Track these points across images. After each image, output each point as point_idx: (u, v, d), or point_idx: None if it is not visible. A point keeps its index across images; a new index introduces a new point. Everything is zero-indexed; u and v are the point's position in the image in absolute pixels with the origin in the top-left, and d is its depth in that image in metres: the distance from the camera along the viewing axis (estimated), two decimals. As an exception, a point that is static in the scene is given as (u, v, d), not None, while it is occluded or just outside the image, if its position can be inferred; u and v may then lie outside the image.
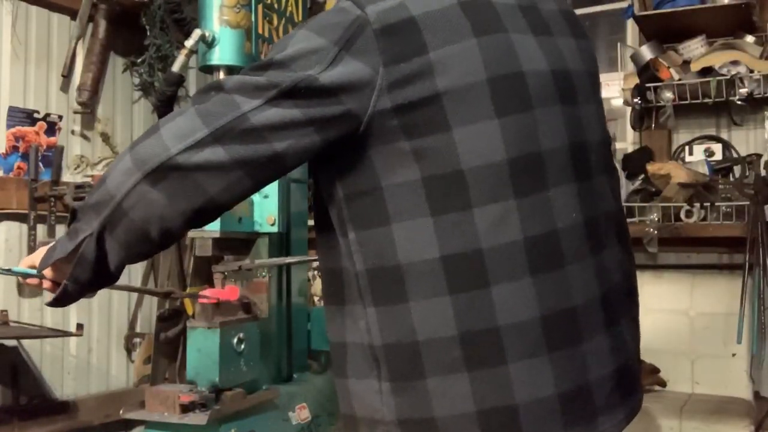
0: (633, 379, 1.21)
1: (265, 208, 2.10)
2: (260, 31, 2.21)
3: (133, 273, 3.24)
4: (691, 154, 3.22)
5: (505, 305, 1.00)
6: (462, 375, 1.01)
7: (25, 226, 2.79)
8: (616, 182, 1.22)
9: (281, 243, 2.25)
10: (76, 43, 3.03)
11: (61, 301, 1.11)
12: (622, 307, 1.19)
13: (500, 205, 1.00)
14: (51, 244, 1.12)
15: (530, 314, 1.01)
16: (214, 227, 1.96)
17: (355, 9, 1.00)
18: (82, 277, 1.07)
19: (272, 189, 2.10)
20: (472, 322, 1.00)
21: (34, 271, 1.13)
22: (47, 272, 1.12)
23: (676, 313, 3.12)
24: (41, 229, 2.84)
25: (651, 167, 3.01)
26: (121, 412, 1.95)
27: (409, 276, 1.01)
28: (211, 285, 2.77)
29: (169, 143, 0.99)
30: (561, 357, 1.03)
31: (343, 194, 1.05)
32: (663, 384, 3.01)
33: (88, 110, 3.08)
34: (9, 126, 2.80)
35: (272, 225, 2.10)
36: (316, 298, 3.42)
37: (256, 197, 2.10)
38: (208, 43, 2.03)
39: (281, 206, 2.11)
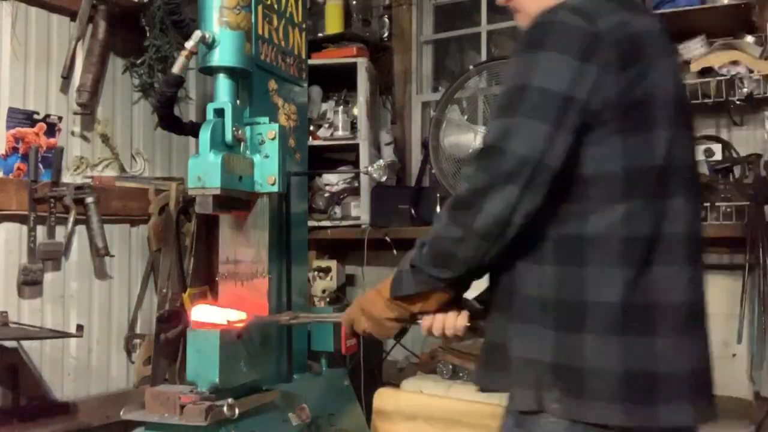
0: (710, 381, 1.40)
1: (265, 167, 2.10)
2: (260, 32, 2.21)
3: (133, 273, 3.24)
4: (691, 154, 3.22)
5: (665, 286, 1.28)
6: (617, 338, 1.24)
7: (24, 228, 2.79)
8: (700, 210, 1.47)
9: (281, 202, 2.24)
10: (76, 44, 3.03)
11: None
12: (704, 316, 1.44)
13: (670, 200, 1.29)
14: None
15: (680, 298, 1.31)
16: (214, 183, 1.95)
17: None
18: None
19: (272, 149, 2.10)
20: (639, 296, 1.26)
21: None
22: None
23: (676, 313, 3.11)
24: (41, 231, 2.84)
25: (651, 167, 3.01)
26: (121, 413, 1.95)
27: (591, 246, 1.26)
28: (211, 286, 2.79)
29: None
30: (693, 339, 1.34)
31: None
32: None
33: (87, 111, 3.08)
34: (9, 127, 2.80)
35: (272, 185, 2.10)
36: (315, 299, 3.43)
37: (256, 157, 2.10)
38: (208, 45, 2.03)
39: (281, 166, 2.10)
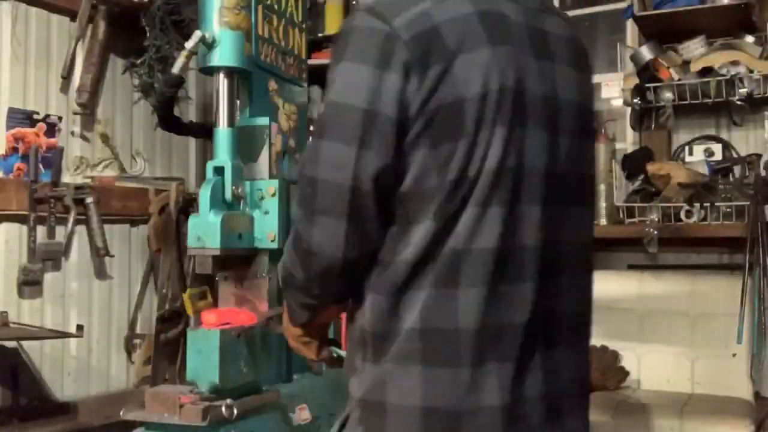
0: (572, 404, 1.19)
1: (265, 224, 2.10)
2: (260, 33, 2.21)
3: (133, 273, 3.24)
4: (691, 154, 3.22)
5: (467, 309, 1.06)
6: (416, 368, 1.07)
7: (25, 228, 2.79)
8: (591, 218, 1.26)
9: (280, 287, 2.24)
10: (76, 45, 3.03)
11: None
12: (566, 338, 1.19)
13: (482, 209, 1.06)
14: None
15: (487, 322, 1.07)
16: (214, 244, 1.95)
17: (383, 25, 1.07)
18: None
19: (272, 205, 2.10)
20: (434, 320, 1.07)
21: None
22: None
23: (676, 313, 3.11)
24: (41, 231, 2.84)
25: (651, 167, 3.02)
26: (121, 413, 1.95)
27: (404, 268, 1.09)
28: (212, 287, 2.77)
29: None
30: (504, 369, 1.07)
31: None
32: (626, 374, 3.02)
33: (87, 111, 3.08)
34: (9, 127, 2.80)
35: (272, 241, 2.10)
36: (316, 299, 3.42)
37: (256, 213, 2.10)
38: (208, 45, 2.03)
39: (281, 222, 2.10)
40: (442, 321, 1.06)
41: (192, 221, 1.98)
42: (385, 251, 1.10)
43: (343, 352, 1.40)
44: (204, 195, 1.97)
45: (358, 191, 1.07)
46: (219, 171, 2.03)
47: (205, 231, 1.95)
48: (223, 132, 2.07)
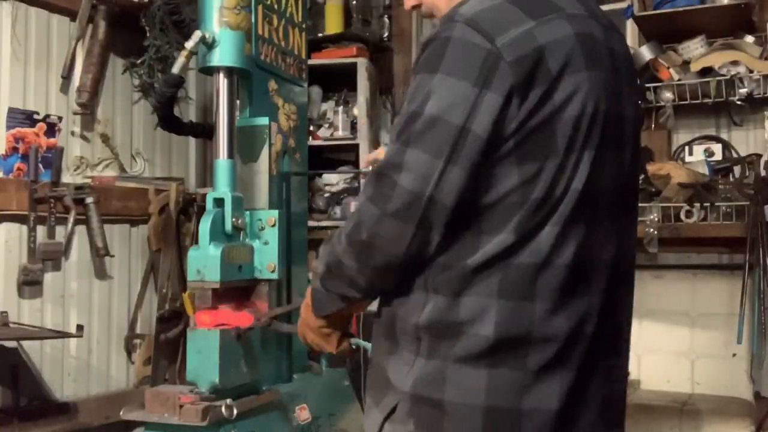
0: (618, 414, 1.26)
1: (265, 254, 2.10)
2: (260, 33, 2.21)
3: (133, 273, 3.24)
4: (691, 154, 3.22)
5: (542, 320, 1.12)
6: (482, 370, 1.11)
7: (25, 228, 2.79)
8: (636, 224, 1.32)
9: (281, 290, 2.24)
10: (76, 44, 3.03)
11: None
12: (621, 349, 1.27)
13: (563, 228, 1.12)
14: None
15: (560, 334, 1.13)
16: (214, 278, 1.95)
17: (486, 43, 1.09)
18: None
19: (272, 236, 2.10)
20: (511, 329, 1.11)
21: None
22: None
23: (676, 313, 3.12)
24: (41, 231, 2.84)
25: (651, 167, 3.01)
26: (121, 413, 1.95)
27: (474, 276, 1.13)
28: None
29: None
30: (567, 376, 1.13)
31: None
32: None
33: (87, 111, 3.07)
34: (9, 127, 2.80)
35: (272, 272, 2.10)
36: (316, 299, 3.42)
37: (256, 243, 2.10)
38: (208, 45, 2.03)
39: (281, 252, 2.10)
40: (515, 330, 1.11)
41: (192, 254, 1.98)
42: (451, 255, 1.13)
43: (364, 343, 1.42)
44: (204, 227, 1.97)
45: (435, 203, 1.10)
46: (219, 203, 2.03)
47: (204, 264, 1.96)
48: (223, 163, 2.08)
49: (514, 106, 1.07)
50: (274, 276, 2.09)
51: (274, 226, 2.10)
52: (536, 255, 1.11)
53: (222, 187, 2.06)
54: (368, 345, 1.38)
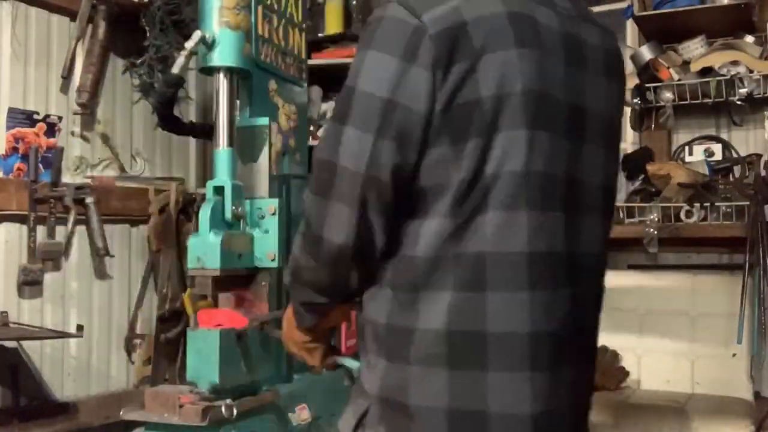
0: (585, 418, 1.20)
1: (265, 243, 2.10)
2: (260, 33, 2.21)
3: (133, 273, 3.24)
4: (691, 154, 3.22)
5: (497, 313, 1.05)
6: (442, 371, 1.06)
7: (25, 228, 2.79)
8: (607, 228, 1.23)
9: (281, 290, 2.24)
10: (76, 44, 3.03)
11: None
12: (589, 346, 1.22)
13: (508, 213, 1.06)
14: None
15: (520, 328, 1.06)
16: (214, 265, 1.95)
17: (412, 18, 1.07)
18: None
19: (272, 224, 2.10)
20: (462, 323, 1.05)
21: None
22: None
23: (676, 313, 3.12)
24: (41, 231, 2.84)
25: (651, 167, 3.01)
26: (121, 413, 1.95)
27: (423, 266, 1.08)
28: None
29: None
30: (537, 378, 1.07)
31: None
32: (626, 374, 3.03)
33: (87, 111, 3.07)
34: (9, 127, 2.80)
35: (272, 260, 2.09)
36: (316, 299, 3.42)
37: (256, 232, 2.10)
38: (208, 45, 2.03)
39: (281, 241, 2.10)
40: (469, 325, 1.05)
41: (192, 241, 1.98)
42: (404, 245, 1.09)
43: (349, 361, 1.39)
44: (204, 215, 1.97)
45: (373, 180, 1.06)
46: (219, 191, 2.03)
47: (204, 251, 1.95)
48: (222, 152, 2.07)
49: (438, 80, 1.03)
50: (274, 264, 2.09)
51: (274, 214, 2.10)
52: (482, 243, 1.05)
53: (222, 175, 2.06)
54: (354, 363, 1.35)
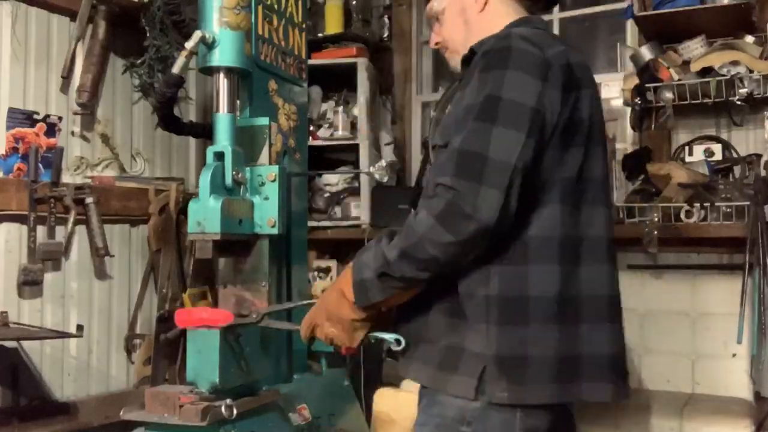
0: (625, 364, 1.56)
1: (265, 209, 2.09)
2: (260, 32, 2.21)
3: (133, 273, 3.24)
4: (691, 154, 3.22)
5: (588, 281, 1.45)
6: (554, 327, 1.41)
7: (25, 228, 2.79)
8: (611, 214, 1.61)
9: (281, 245, 2.24)
10: (76, 45, 3.03)
11: None
12: (621, 308, 1.57)
13: (595, 208, 1.49)
14: None
15: (601, 291, 1.47)
16: (214, 229, 1.95)
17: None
18: None
19: (272, 191, 2.10)
20: (568, 290, 1.42)
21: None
22: None
23: (676, 313, 3.12)
24: (41, 231, 2.84)
25: (651, 167, 3.02)
26: (121, 413, 1.95)
27: (534, 246, 1.42)
28: (211, 286, 2.77)
29: None
30: (612, 327, 1.48)
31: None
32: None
33: (87, 111, 3.08)
34: (9, 127, 2.80)
35: (272, 227, 2.09)
36: (316, 299, 3.42)
37: (256, 199, 2.10)
38: (208, 45, 2.03)
39: (281, 208, 2.10)
40: (573, 291, 1.42)
41: (192, 206, 1.96)
42: (519, 227, 1.39)
43: (384, 335, 1.52)
44: (204, 180, 1.96)
45: (518, 171, 1.34)
46: (219, 156, 2.02)
47: (205, 216, 1.94)
48: (223, 117, 2.07)
49: (564, 100, 1.40)
50: (275, 231, 2.08)
51: (274, 181, 2.09)
52: (579, 229, 1.44)
53: (222, 140, 2.06)
54: (390, 336, 1.51)
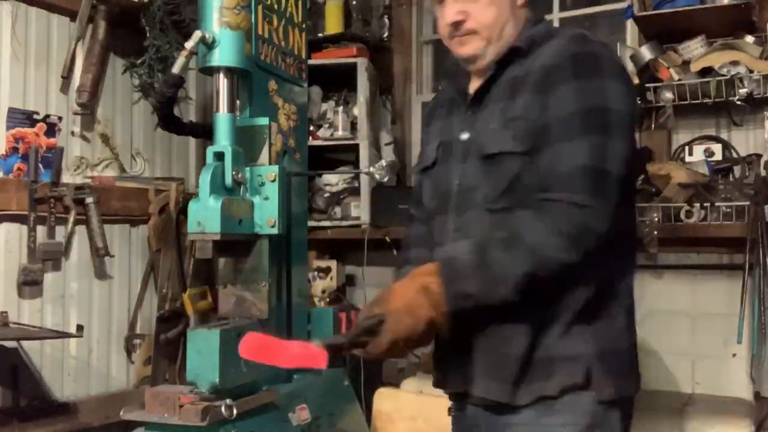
0: None
1: (265, 209, 2.09)
2: (260, 32, 2.21)
3: (133, 273, 3.24)
4: (691, 154, 3.22)
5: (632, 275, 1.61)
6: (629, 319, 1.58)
7: (25, 228, 2.79)
8: None
9: (281, 245, 2.24)
10: (76, 45, 3.03)
11: None
12: None
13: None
14: None
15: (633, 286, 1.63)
16: (214, 229, 1.95)
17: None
18: None
19: (272, 191, 2.09)
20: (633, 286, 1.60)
21: None
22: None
23: (676, 313, 3.11)
24: (41, 231, 2.84)
25: (651, 167, 3.01)
26: (121, 413, 1.95)
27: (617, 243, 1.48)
28: (211, 286, 2.76)
29: None
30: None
31: None
32: None
33: (87, 111, 3.08)
34: (9, 127, 2.80)
35: (272, 227, 2.09)
36: (316, 299, 3.42)
37: (256, 199, 2.10)
38: (208, 45, 2.03)
39: (281, 208, 2.10)
40: (631, 283, 1.59)
41: (192, 206, 1.96)
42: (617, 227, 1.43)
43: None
44: (204, 180, 1.96)
45: (626, 178, 1.43)
46: (219, 156, 2.02)
47: (205, 216, 1.94)
48: (223, 117, 2.07)
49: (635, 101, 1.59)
50: (274, 231, 2.08)
51: (274, 181, 2.09)
52: (634, 230, 1.64)
53: (222, 140, 2.06)
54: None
